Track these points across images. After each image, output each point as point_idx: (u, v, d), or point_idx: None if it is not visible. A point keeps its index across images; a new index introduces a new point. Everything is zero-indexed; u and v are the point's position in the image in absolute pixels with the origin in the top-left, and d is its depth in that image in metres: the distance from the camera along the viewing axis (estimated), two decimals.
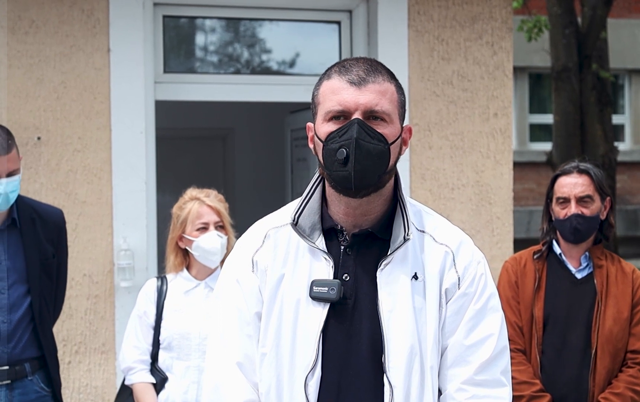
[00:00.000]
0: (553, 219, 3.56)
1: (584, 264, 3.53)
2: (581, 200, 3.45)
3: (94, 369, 4.74)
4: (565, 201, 3.48)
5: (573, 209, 3.45)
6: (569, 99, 10.21)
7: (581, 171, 3.50)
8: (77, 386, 4.71)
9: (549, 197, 3.58)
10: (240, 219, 3.73)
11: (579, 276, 3.51)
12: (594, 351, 3.40)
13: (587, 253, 3.53)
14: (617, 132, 14.40)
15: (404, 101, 2.13)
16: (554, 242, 3.57)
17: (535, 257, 3.57)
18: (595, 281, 3.46)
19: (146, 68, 4.82)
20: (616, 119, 13.74)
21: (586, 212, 3.45)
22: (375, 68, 2.06)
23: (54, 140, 4.69)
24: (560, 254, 3.55)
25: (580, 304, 3.46)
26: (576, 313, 3.46)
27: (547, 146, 12.71)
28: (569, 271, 3.52)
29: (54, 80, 4.69)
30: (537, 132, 14.72)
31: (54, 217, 3.73)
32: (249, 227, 2.25)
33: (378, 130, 2.02)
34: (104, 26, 4.75)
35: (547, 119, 13.74)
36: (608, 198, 3.53)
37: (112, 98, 4.74)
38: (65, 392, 4.53)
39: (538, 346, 3.47)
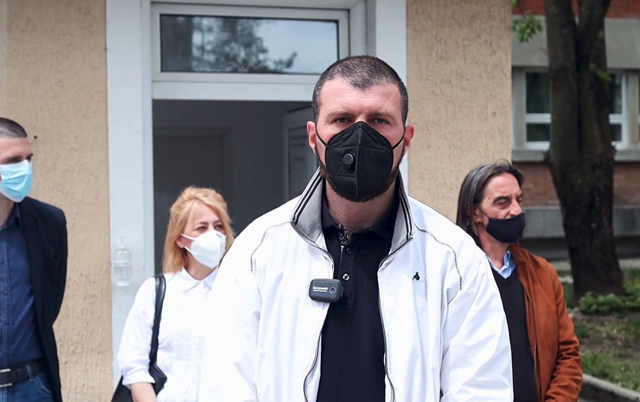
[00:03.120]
0: (478, 220, 3.47)
1: (507, 263, 3.49)
2: (518, 199, 3.46)
3: (90, 369, 4.72)
4: (506, 200, 3.43)
5: (517, 207, 3.43)
6: (567, 99, 10.21)
7: (511, 170, 3.49)
8: (74, 386, 4.69)
9: (475, 199, 3.48)
10: (238, 218, 3.72)
11: (505, 275, 3.46)
12: (535, 349, 3.38)
13: (508, 252, 3.51)
14: (614, 131, 14.43)
15: (407, 101, 2.10)
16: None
17: None
18: (520, 279, 3.45)
19: (143, 67, 4.80)
20: (613, 119, 13.76)
21: (522, 210, 3.47)
22: (379, 69, 2.03)
23: (51, 139, 4.67)
24: (485, 256, 3.52)
25: (514, 304, 3.40)
26: (510, 313, 3.37)
27: (544, 146, 12.72)
28: (495, 271, 3.46)
29: (50, 79, 4.68)
30: (535, 132, 14.74)
31: (56, 217, 3.71)
32: (246, 226, 2.23)
33: (382, 134, 2.00)
34: (100, 25, 4.73)
35: (545, 118, 13.76)
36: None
37: (109, 97, 4.72)
38: (62, 393, 4.51)
39: None
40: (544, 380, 3.39)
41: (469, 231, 3.48)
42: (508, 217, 3.42)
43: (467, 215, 3.50)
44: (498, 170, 3.48)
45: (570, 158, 10.26)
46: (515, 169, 3.50)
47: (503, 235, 3.46)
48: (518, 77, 14.15)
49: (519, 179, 3.49)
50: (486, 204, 3.45)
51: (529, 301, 3.40)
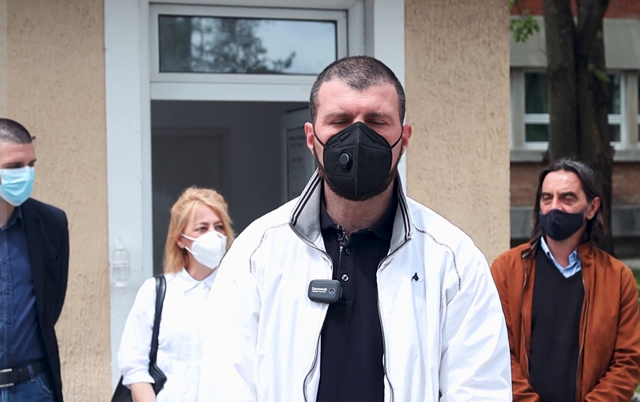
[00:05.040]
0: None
1: (572, 263, 3.51)
2: (563, 197, 3.45)
3: (89, 370, 4.72)
4: (549, 196, 3.48)
5: (554, 205, 3.44)
6: (565, 99, 10.21)
7: (568, 168, 3.49)
8: (73, 386, 4.69)
9: (538, 194, 3.59)
10: (236, 219, 3.72)
11: (567, 274, 3.49)
12: (581, 350, 3.39)
13: (575, 252, 3.51)
14: (613, 132, 14.44)
15: (404, 101, 2.10)
16: (543, 241, 3.56)
17: (523, 256, 3.56)
18: (583, 280, 3.45)
19: (142, 67, 4.80)
20: (612, 119, 13.76)
21: (568, 209, 3.44)
22: (375, 69, 2.03)
23: (49, 139, 4.67)
24: (548, 252, 3.53)
25: (568, 303, 3.44)
26: (564, 312, 3.45)
27: (543, 146, 12.72)
28: (557, 269, 3.50)
29: (49, 80, 4.67)
30: (533, 132, 14.74)
31: (58, 218, 3.71)
32: (245, 227, 2.23)
33: (380, 134, 2.00)
34: (99, 25, 4.73)
35: (543, 118, 13.76)
36: (597, 198, 3.51)
37: (108, 97, 4.72)
38: None
39: (526, 345, 3.45)
40: (586, 384, 3.39)
41: (537, 225, 3.57)
42: (546, 213, 3.47)
43: (537, 209, 3.59)
44: (552, 167, 3.54)
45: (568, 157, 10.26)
46: (575, 167, 3.49)
47: (545, 231, 3.52)
48: (517, 78, 14.15)
49: (581, 176, 3.47)
50: (541, 200, 3.54)
51: (586, 303, 3.41)
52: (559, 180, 3.47)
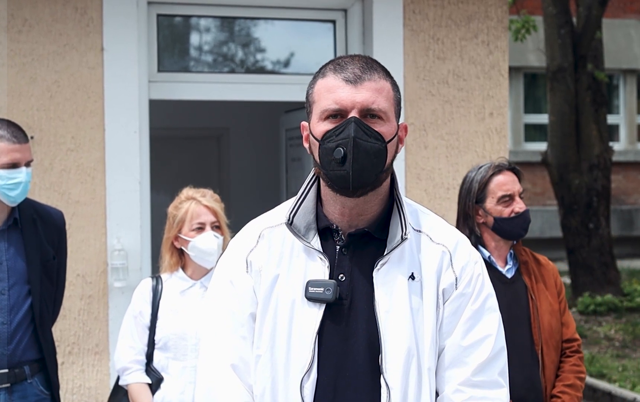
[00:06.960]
0: (481, 221, 3.46)
1: (510, 263, 3.48)
2: (520, 195, 3.46)
3: (87, 370, 4.71)
4: (510, 198, 3.43)
5: (521, 204, 3.43)
6: (564, 99, 10.21)
7: (511, 168, 3.49)
8: (71, 387, 4.69)
9: (477, 199, 3.46)
10: (235, 219, 3.71)
11: (508, 275, 3.45)
12: (540, 348, 3.37)
13: (511, 251, 3.49)
14: (612, 132, 14.44)
15: (400, 99, 2.11)
16: (481, 248, 3.46)
17: None
18: (524, 278, 3.44)
19: (140, 67, 4.80)
20: (611, 119, 13.76)
21: (525, 206, 3.46)
22: (370, 65, 2.04)
23: (47, 139, 4.66)
24: (489, 256, 3.46)
25: (518, 304, 3.40)
26: (516, 313, 3.39)
27: (542, 146, 12.72)
28: (499, 271, 3.44)
29: (47, 79, 4.67)
30: (532, 132, 14.74)
31: (55, 218, 3.71)
32: (244, 226, 2.23)
33: (375, 129, 2.00)
34: (97, 25, 4.73)
35: (542, 119, 13.76)
36: None
37: (106, 97, 4.72)
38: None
39: None
40: (549, 379, 3.39)
41: (472, 232, 3.48)
42: (513, 214, 3.42)
43: (469, 216, 3.48)
44: (498, 168, 3.47)
45: (568, 158, 10.26)
46: (515, 167, 3.50)
47: (509, 233, 3.45)
48: (516, 78, 14.15)
49: (519, 176, 3.49)
50: (490, 203, 3.44)
51: (533, 300, 3.40)
52: (513, 181, 3.45)
